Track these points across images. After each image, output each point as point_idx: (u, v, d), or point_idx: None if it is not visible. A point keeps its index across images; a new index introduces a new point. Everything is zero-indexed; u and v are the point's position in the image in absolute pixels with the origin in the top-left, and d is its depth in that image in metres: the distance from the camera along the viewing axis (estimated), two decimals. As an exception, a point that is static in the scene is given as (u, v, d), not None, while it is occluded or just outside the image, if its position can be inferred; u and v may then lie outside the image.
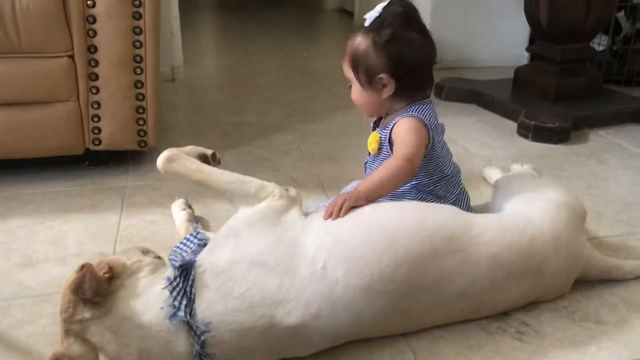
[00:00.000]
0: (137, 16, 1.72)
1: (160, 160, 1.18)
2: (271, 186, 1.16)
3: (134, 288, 1.03)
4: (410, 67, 1.23)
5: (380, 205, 1.16)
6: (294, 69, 3.37)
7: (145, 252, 1.17)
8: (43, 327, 1.18)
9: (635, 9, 2.83)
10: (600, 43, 2.85)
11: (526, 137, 2.21)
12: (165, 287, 1.01)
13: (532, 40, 3.20)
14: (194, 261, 1.05)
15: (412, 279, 1.05)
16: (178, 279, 1.03)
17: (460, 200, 1.34)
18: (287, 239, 1.07)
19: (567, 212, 1.20)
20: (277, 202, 1.13)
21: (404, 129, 1.25)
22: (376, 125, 1.39)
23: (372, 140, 1.32)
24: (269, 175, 1.87)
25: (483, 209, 1.40)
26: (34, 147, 1.77)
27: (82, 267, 1.02)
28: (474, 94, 2.63)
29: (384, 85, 1.26)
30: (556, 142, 2.15)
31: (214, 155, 1.33)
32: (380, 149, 1.31)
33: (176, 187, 1.79)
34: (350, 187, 1.49)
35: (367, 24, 1.25)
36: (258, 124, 2.41)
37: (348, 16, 4.70)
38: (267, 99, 2.76)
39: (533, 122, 2.19)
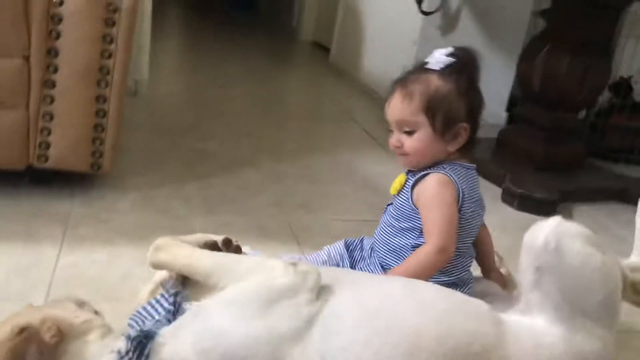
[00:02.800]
0: (110, 23, 1.50)
1: (150, 251, 0.96)
2: (272, 262, 0.89)
3: (79, 357, 0.82)
4: (480, 118, 1.17)
5: (399, 296, 0.94)
6: (263, 100, 3.18)
7: (80, 304, 0.95)
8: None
9: (619, 85, 2.80)
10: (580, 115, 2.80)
11: (511, 204, 2.09)
12: None
13: (511, 102, 3.14)
14: (155, 333, 0.83)
15: None
16: (130, 354, 0.81)
17: (461, 284, 1.18)
18: (278, 335, 0.82)
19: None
20: (278, 281, 0.85)
21: (430, 192, 1.15)
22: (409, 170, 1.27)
23: (398, 181, 1.21)
24: (236, 219, 1.66)
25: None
26: (-35, 157, 1.51)
27: (23, 329, 0.81)
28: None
29: (456, 135, 1.15)
30: (542, 214, 2.03)
31: (227, 241, 1.04)
32: (400, 191, 1.21)
33: (129, 221, 1.56)
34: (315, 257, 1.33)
35: (437, 67, 1.15)
36: (224, 155, 2.20)
37: (323, 51, 4.57)
38: (234, 129, 2.55)
39: (519, 190, 2.07)
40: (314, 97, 3.53)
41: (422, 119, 1.14)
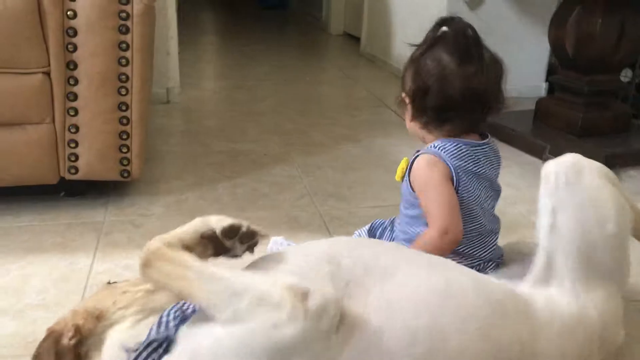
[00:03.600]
0: (124, 30, 1.52)
1: (139, 264, 0.80)
2: (278, 295, 0.71)
3: (97, 353, 0.84)
4: (429, 92, 1.09)
5: (435, 303, 0.82)
6: (294, 95, 3.17)
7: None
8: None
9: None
10: (625, 75, 2.67)
11: (553, 176, 2.00)
12: None
13: (550, 72, 3.02)
14: (171, 338, 0.80)
15: None
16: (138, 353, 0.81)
17: (493, 260, 1.14)
18: None
19: (618, 307, 0.96)
20: (285, 332, 0.69)
21: (420, 174, 1.12)
22: None
23: (400, 167, 1.19)
24: (266, 213, 1.65)
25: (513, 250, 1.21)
26: (-1, 175, 1.56)
27: (50, 333, 0.86)
28: (491, 126, 2.42)
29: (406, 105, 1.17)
30: (587, 183, 1.94)
31: (228, 231, 0.87)
32: (403, 177, 1.19)
33: (161, 225, 1.58)
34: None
35: None
36: (255, 154, 2.20)
37: (354, 41, 4.53)
38: (265, 127, 2.55)
39: (560, 160, 1.98)
40: (347, 87, 3.50)
41: None
